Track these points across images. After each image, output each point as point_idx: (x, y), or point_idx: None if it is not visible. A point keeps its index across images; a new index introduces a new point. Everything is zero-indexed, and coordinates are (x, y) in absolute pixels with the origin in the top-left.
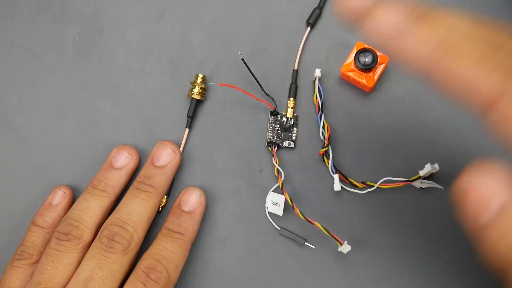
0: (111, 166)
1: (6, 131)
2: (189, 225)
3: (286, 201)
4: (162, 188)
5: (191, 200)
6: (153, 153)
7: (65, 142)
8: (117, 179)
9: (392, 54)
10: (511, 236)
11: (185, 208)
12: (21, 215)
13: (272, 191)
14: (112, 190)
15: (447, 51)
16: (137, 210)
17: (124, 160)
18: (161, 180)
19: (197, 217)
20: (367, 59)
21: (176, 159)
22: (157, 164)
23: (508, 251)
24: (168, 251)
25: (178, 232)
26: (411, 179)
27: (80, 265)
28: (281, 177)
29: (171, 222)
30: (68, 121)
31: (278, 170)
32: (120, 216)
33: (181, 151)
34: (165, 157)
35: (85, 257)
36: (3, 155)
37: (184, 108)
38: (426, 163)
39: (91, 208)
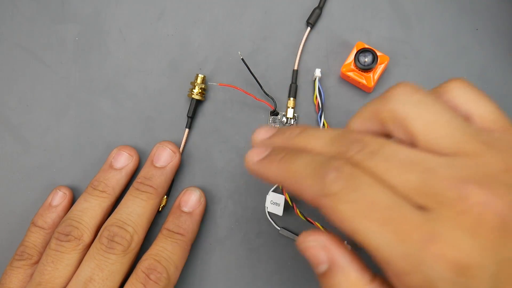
0: (111, 166)
1: (6, 131)
2: (189, 226)
3: (286, 201)
4: (162, 188)
5: (191, 200)
6: (153, 154)
7: (65, 142)
8: (117, 180)
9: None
10: None
11: (185, 209)
12: (21, 215)
13: (272, 191)
14: (112, 191)
15: None
16: (137, 211)
17: (124, 160)
18: (161, 180)
19: (197, 217)
20: (367, 59)
21: (175, 160)
22: (157, 165)
23: None
24: (168, 251)
25: (178, 233)
26: None
27: (80, 266)
28: None
29: (171, 222)
30: (68, 121)
31: None
32: (120, 216)
33: (181, 151)
34: (165, 157)
35: (85, 258)
36: (3, 155)
37: (184, 108)
38: None
39: (91, 208)
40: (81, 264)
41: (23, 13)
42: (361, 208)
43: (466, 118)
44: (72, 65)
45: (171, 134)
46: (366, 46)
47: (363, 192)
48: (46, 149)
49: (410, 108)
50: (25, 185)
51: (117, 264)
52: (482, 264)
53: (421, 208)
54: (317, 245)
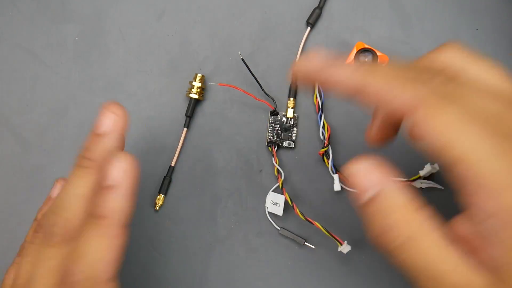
0: (95, 134)
1: (6, 131)
2: (114, 204)
3: (286, 201)
4: (104, 160)
5: (115, 171)
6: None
7: (65, 142)
8: (104, 149)
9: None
10: (380, 217)
11: (108, 183)
12: (21, 215)
13: (272, 191)
14: (99, 165)
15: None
16: (75, 192)
17: (110, 123)
18: (101, 151)
19: (123, 191)
20: (367, 59)
21: (120, 124)
22: (98, 132)
23: (379, 229)
24: (86, 245)
25: (99, 216)
26: (411, 179)
27: (17, 268)
28: (281, 177)
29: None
30: (68, 121)
31: (278, 170)
32: (56, 202)
33: (179, 150)
34: (107, 122)
35: (20, 258)
36: (3, 155)
37: (183, 108)
38: (426, 163)
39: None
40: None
41: (23, 13)
42: (470, 114)
43: None
44: (72, 65)
45: (170, 133)
46: (366, 46)
47: (468, 98)
48: (46, 149)
49: (465, 58)
50: (25, 185)
51: (57, 257)
52: None
53: None
54: (367, 170)
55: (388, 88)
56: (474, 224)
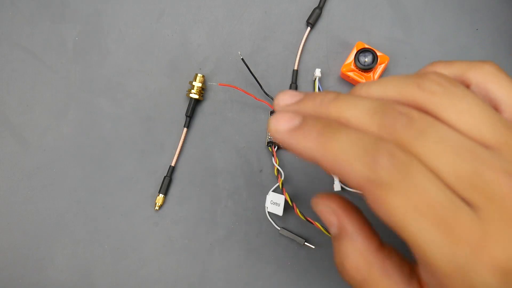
0: None
1: (6, 131)
2: None
3: (286, 201)
4: None
5: None
6: None
7: (65, 142)
8: None
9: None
10: (341, 256)
11: None
12: (21, 215)
13: (272, 191)
14: None
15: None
16: None
17: None
18: None
19: None
20: (367, 59)
21: None
22: None
23: (340, 266)
24: None
25: None
26: None
27: None
28: (281, 177)
29: None
30: (68, 121)
31: (278, 170)
32: None
33: (178, 150)
34: None
35: None
36: (3, 155)
37: (183, 108)
38: None
39: None
40: None
41: (23, 13)
42: (415, 203)
43: (495, 108)
44: (72, 65)
45: (170, 133)
46: (366, 46)
47: (417, 185)
48: (46, 149)
49: (499, 79)
50: (25, 185)
51: None
52: None
53: (469, 204)
54: (328, 210)
55: (345, 163)
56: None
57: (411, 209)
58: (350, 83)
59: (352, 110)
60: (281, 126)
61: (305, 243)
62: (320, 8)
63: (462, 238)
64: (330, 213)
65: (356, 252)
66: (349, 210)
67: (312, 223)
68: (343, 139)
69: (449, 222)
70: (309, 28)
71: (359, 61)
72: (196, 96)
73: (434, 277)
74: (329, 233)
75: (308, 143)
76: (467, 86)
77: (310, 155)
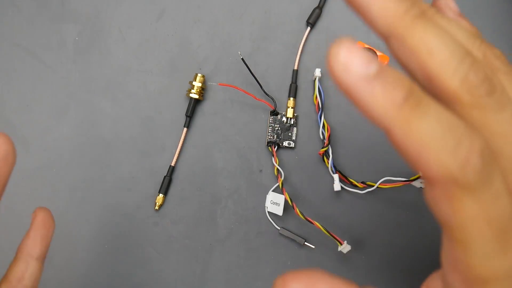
0: None
1: (6, 131)
2: None
3: (286, 201)
4: None
5: None
6: None
7: (65, 142)
8: None
9: None
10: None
11: None
12: (21, 215)
13: (272, 191)
14: None
15: None
16: None
17: None
18: None
19: None
20: None
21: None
22: None
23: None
24: None
25: None
26: (411, 179)
27: None
28: (281, 177)
29: None
30: (68, 121)
31: (278, 170)
32: None
33: (178, 150)
34: None
35: None
36: None
37: (183, 108)
38: None
39: None
40: None
41: (23, 13)
42: (488, 214)
43: None
44: (72, 65)
45: (170, 133)
46: (366, 46)
47: (496, 196)
48: (46, 149)
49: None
50: (25, 185)
51: None
52: None
53: None
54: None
55: (425, 151)
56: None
57: (482, 218)
58: None
59: (440, 39)
60: (354, 66)
61: (305, 243)
62: (320, 8)
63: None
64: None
65: None
66: (313, 281)
67: (312, 223)
68: (433, 120)
69: (507, 236)
70: (309, 28)
71: None
72: (196, 96)
73: (464, 284)
74: (329, 233)
75: (387, 105)
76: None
77: (384, 122)
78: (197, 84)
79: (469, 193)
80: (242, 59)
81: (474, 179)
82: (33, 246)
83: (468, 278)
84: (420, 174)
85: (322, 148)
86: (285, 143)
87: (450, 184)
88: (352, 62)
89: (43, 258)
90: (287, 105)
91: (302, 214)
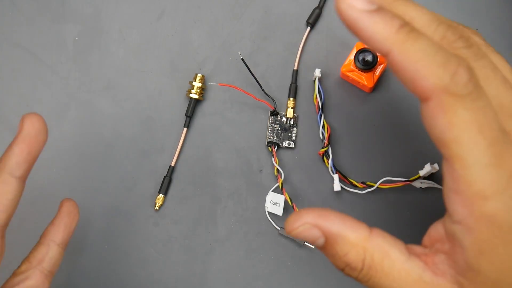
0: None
1: (6, 131)
2: None
3: (286, 201)
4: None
5: None
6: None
7: (65, 142)
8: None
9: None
10: (337, 257)
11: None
12: (21, 215)
13: (272, 191)
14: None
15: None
16: None
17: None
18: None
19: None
20: (367, 59)
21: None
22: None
23: (340, 265)
24: None
25: None
26: (411, 179)
27: None
28: (281, 177)
29: None
30: (68, 121)
31: (278, 170)
32: None
33: (178, 150)
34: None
35: None
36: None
37: (183, 108)
38: (426, 163)
39: None
40: None
41: (23, 13)
42: (479, 120)
43: None
44: (72, 65)
45: (170, 133)
46: (366, 46)
47: (485, 106)
48: (46, 149)
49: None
50: (25, 185)
51: None
52: None
53: None
54: (306, 227)
55: (419, 66)
56: (446, 229)
57: (474, 125)
58: (350, 83)
59: (418, 12)
60: (357, 3)
61: (305, 243)
62: (320, 8)
63: (507, 164)
64: (310, 228)
65: (351, 246)
66: (324, 214)
67: None
68: (425, 41)
69: (502, 146)
70: (309, 28)
71: (358, 61)
72: (196, 96)
73: (470, 204)
74: None
75: (387, 31)
76: None
77: (384, 46)
78: (197, 84)
79: (460, 101)
80: (242, 59)
81: (463, 87)
82: (56, 232)
83: (469, 198)
84: (416, 94)
85: (322, 148)
86: (285, 143)
87: (443, 93)
88: (355, 1)
89: (64, 245)
90: (287, 105)
91: None
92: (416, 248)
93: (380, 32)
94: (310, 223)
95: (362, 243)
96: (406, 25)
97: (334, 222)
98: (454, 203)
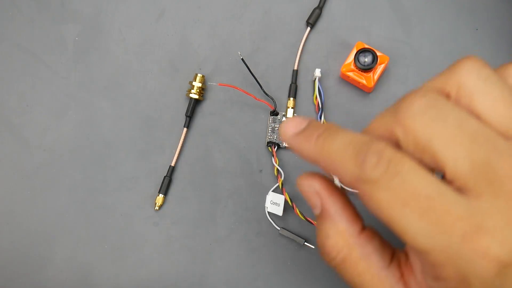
0: None
1: (6, 131)
2: None
3: (286, 201)
4: None
5: None
6: None
7: (65, 142)
8: None
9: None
10: (323, 235)
11: None
12: (21, 215)
13: (272, 191)
14: None
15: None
16: None
17: None
18: None
19: None
20: (367, 59)
21: None
22: None
23: (321, 245)
24: None
25: None
26: None
27: None
28: (281, 177)
29: None
30: (68, 121)
31: (278, 170)
32: None
33: (178, 150)
34: None
35: None
36: (3, 155)
37: (183, 108)
38: None
39: None
40: None
41: (23, 13)
42: (400, 197)
43: None
44: (72, 65)
45: (170, 133)
46: (366, 46)
47: (403, 179)
48: (46, 149)
49: (479, 82)
50: (25, 185)
51: None
52: None
53: (465, 191)
54: (312, 190)
55: (339, 164)
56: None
57: (397, 202)
58: (350, 83)
59: (335, 147)
60: (288, 130)
61: (305, 243)
62: (320, 8)
63: (452, 226)
64: (313, 194)
65: (337, 233)
66: (332, 191)
67: (312, 223)
68: (338, 142)
69: (437, 211)
70: (309, 28)
71: (359, 61)
72: (196, 96)
73: (428, 266)
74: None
75: (309, 146)
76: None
77: (311, 157)
78: (197, 84)
79: (376, 185)
80: (242, 59)
81: (374, 173)
82: None
83: (430, 266)
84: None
85: None
86: (285, 143)
87: (359, 183)
88: (287, 127)
89: None
90: (287, 105)
91: (302, 214)
92: (402, 256)
93: (306, 148)
94: (317, 189)
95: (347, 237)
96: (322, 133)
97: (336, 203)
98: (417, 261)
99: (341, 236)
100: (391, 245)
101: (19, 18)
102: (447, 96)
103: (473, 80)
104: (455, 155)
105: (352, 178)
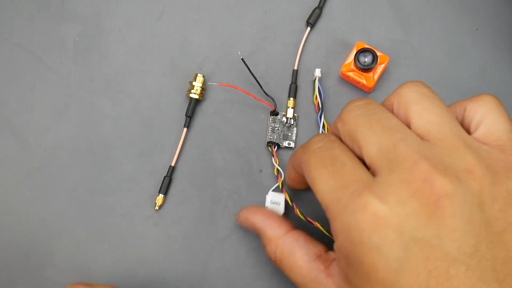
0: None
1: (6, 131)
2: None
3: (286, 201)
4: None
5: None
6: None
7: (65, 142)
8: None
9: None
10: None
11: None
12: (21, 215)
13: (272, 191)
14: None
15: None
16: None
17: None
18: None
19: None
20: (367, 59)
21: None
22: None
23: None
24: None
25: None
26: None
27: None
28: (281, 177)
29: None
30: (68, 121)
31: (278, 170)
32: None
33: (178, 150)
34: None
35: None
36: (3, 155)
37: (183, 108)
38: None
39: None
40: None
41: (23, 13)
42: (323, 160)
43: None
44: (72, 65)
45: (170, 133)
46: (366, 46)
47: (330, 151)
48: (46, 149)
49: (415, 95)
50: (25, 185)
51: None
52: (399, 229)
53: (374, 173)
54: (243, 219)
55: (297, 154)
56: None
57: (320, 164)
58: (350, 83)
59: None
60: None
61: None
62: (320, 8)
63: (348, 185)
64: (245, 221)
65: (268, 240)
66: (255, 211)
67: (312, 223)
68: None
69: (344, 174)
70: (309, 28)
71: (359, 61)
72: (196, 96)
73: (331, 225)
74: (329, 233)
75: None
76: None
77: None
78: (197, 84)
79: (311, 153)
80: (242, 59)
81: (312, 146)
82: None
83: (330, 222)
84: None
85: None
86: (285, 143)
87: (303, 157)
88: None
89: None
90: (287, 105)
91: (302, 214)
92: (331, 254)
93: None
94: (245, 217)
95: (276, 239)
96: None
97: (259, 219)
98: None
99: (270, 241)
100: (321, 245)
101: (19, 18)
102: (391, 105)
103: (410, 93)
104: (369, 141)
105: (300, 156)
